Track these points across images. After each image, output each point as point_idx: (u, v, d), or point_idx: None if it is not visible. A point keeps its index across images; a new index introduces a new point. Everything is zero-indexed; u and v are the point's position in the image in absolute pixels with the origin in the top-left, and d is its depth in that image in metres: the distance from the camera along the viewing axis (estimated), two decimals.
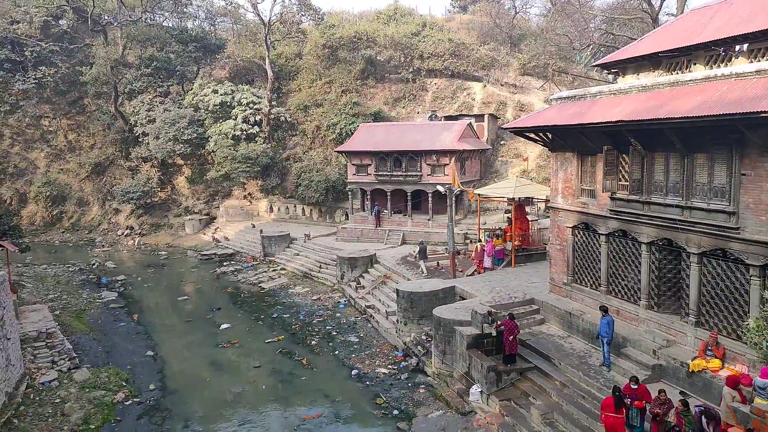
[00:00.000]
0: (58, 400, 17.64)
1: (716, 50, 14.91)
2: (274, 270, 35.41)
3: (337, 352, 22.36)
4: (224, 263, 38.24)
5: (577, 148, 17.78)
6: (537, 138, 19.10)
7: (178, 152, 46.46)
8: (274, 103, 47.44)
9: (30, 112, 52.50)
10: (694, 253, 14.06)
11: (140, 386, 19.59)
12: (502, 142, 40.98)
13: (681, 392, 13.39)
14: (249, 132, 45.46)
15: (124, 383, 19.51)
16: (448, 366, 18.68)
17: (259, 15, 49.26)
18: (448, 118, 41.41)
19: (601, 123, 14.82)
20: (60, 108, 54.01)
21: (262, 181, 46.17)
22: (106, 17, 55.92)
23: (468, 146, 34.94)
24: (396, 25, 51.61)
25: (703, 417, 11.15)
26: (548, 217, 29.40)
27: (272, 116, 46.71)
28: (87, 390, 18.42)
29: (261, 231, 39.62)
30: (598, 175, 17.01)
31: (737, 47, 14.40)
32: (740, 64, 13.89)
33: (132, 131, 49.60)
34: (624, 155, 15.88)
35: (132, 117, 49.42)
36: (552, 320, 18.92)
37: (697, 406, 11.53)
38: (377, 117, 44.21)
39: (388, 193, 36.06)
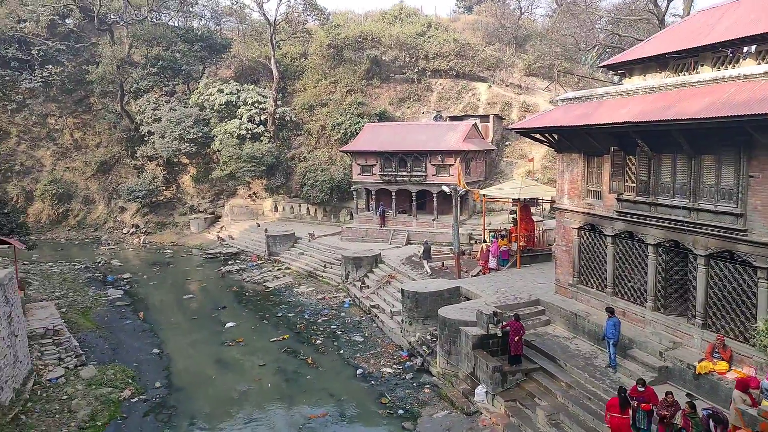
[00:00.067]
0: (65, 397, 17.73)
1: (724, 52, 14.88)
2: (278, 269, 35.49)
3: (342, 352, 22.41)
4: (229, 262, 38.35)
5: (584, 149, 17.78)
6: (543, 139, 19.10)
7: (183, 151, 46.61)
8: (279, 102, 47.53)
9: (36, 111, 52.78)
10: (701, 255, 14.04)
11: (146, 384, 19.68)
12: (507, 143, 40.96)
13: (687, 394, 13.39)
14: (254, 131, 45.56)
15: (130, 380, 19.60)
16: (453, 366, 18.70)
17: (264, 15, 49.42)
18: (453, 118, 41.42)
19: (608, 124, 14.82)
20: (66, 106, 54.30)
21: (267, 181, 46.29)
22: (113, 16, 56.16)
23: (473, 147, 34.95)
24: (401, 26, 51.62)
25: (711, 421, 11.13)
26: (553, 218, 29.39)
27: (277, 116, 46.80)
28: (94, 387, 18.51)
29: (266, 230, 39.70)
30: (605, 177, 17.00)
31: (745, 49, 14.37)
32: (748, 66, 13.86)
33: (138, 130, 49.77)
34: (631, 156, 15.88)
35: (138, 116, 49.61)
36: (557, 321, 18.92)
37: (704, 409, 11.52)
38: (382, 117, 44.27)
39: (393, 193, 36.10)
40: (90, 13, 54.19)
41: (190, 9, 59.95)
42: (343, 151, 39.58)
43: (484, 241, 27.02)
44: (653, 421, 12.29)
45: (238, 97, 46.61)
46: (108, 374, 19.64)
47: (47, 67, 50.76)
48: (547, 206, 30.51)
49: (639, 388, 12.49)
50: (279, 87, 48.46)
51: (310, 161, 44.81)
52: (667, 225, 14.86)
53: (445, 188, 26.22)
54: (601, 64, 23.35)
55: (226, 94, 46.48)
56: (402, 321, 23.12)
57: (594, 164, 17.67)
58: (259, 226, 43.43)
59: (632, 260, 16.56)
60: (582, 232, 18.56)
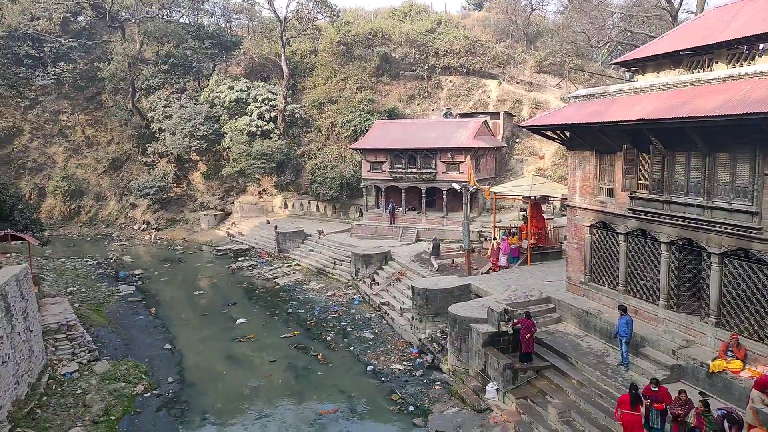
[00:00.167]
0: (79, 392, 17.94)
1: (739, 48, 14.75)
2: (288, 266, 35.62)
3: (352, 348, 22.48)
4: (239, 258, 38.55)
5: (596, 146, 17.69)
6: (555, 136, 19.01)
7: (193, 148, 46.90)
8: (289, 99, 47.63)
9: (49, 108, 53.26)
10: (715, 253, 13.95)
11: (159, 379, 19.86)
12: (517, 140, 40.81)
13: (701, 393, 13.31)
14: (264, 128, 45.72)
15: (143, 375, 19.80)
16: (463, 363, 18.71)
17: (275, 12, 49.51)
18: (463, 115, 41.34)
19: (622, 121, 14.74)
20: (78, 103, 54.76)
21: (276, 178, 46.44)
22: (124, 14, 56.58)
23: (483, 144, 34.87)
24: (411, 22, 51.53)
25: (726, 421, 11.05)
26: (564, 215, 29.29)
27: (287, 113, 46.92)
28: (107, 382, 18.72)
29: (276, 227, 39.85)
30: (617, 174, 16.92)
31: (761, 46, 14.23)
32: (764, 63, 13.73)
33: (149, 127, 50.14)
34: (644, 154, 15.78)
35: (149, 113, 49.95)
36: (569, 319, 18.87)
37: (719, 409, 11.43)
38: (392, 114, 44.23)
39: (403, 191, 36.11)
40: (102, 11, 54.59)
41: (201, 6, 60.29)
42: (352, 149, 39.62)
43: (494, 239, 26.97)
44: (667, 420, 12.24)
45: (248, 95, 46.78)
46: (121, 369, 19.84)
47: (59, 64, 51.22)
48: (558, 204, 30.38)
49: (652, 388, 12.44)
50: (289, 84, 48.56)
51: (319, 158, 44.90)
52: (680, 223, 14.77)
53: (456, 185, 26.17)
54: (614, 61, 23.21)
55: (237, 92, 46.66)
56: (412, 318, 23.15)
57: (606, 162, 17.58)
58: (268, 222, 43.59)
59: (645, 258, 16.48)
60: (594, 230, 18.48)
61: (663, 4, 35.42)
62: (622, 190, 16.63)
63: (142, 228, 48.66)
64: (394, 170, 36.01)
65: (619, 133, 16.03)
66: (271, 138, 45.39)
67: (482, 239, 31.00)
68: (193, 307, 29.01)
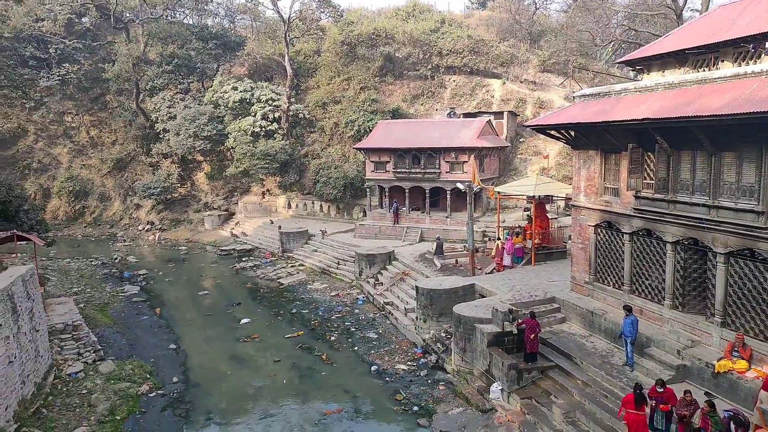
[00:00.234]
0: (84, 391, 18.00)
1: (745, 47, 14.68)
2: (292, 266, 35.65)
3: (356, 348, 22.48)
4: (243, 259, 38.61)
5: (601, 145, 17.64)
6: (559, 136, 18.97)
7: (198, 148, 47.03)
8: (292, 99, 47.69)
9: (53, 109, 53.54)
10: (720, 253, 13.89)
11: (164, 379, 19.91)
12: (521, 140, 40.74)
13: (706, 393, 13.26)
14: (268, 129, 45.79)
15: (148, 375, 19.84)
16: (468, 363, 18.68)
17: (279, 12, 49.50)
18: (467, 115, 41.29)
19: (628, 121, 14.68)
20: (83, 104, 55.00)
21: (280, 178, 46.50)
22: (128, 15, 56.76)
23: (487, 143, 34.82)
24: (415, 22, 51.52)
25: (732, 423, 10.98)
26: (568, 215, 29.22)
27: (291, 113, 46.97)
28: (112, 382, 18.77)
29: (279, 227, 39.90)
30: (623, 174, 16.86)
31: (767, 44, 14.15)
32: None
33: (153, 128, 50.29)
34: (649, 153, 15.73)
35: (153, 113, 50.11)
36: (573, 319, 18.82)
37: (726, 410, 11.35)
38: (396, 114, 44.22)
39: (407, 191, 36.09)
40: (106, 12, 54.81)
41: (205, 7, 60.45)
42: (356, 149, 39.62)
43: (498, 239, 26.92)
44: (672, 421, 12.18)
45: (252, 95, 46.85)
46: (126, 369, 19.90)
47: (64, 65, 51.46)
48: (562, 203, 30.32)
49: (658, 389, 12.38)
50: (293, 84, 48.61)
51: (323, 158, 44.93)
52: (686, 222, 14.71)
53: (460, 185, 26.16)
54: (618, 60, 23.14)
55: (240, 92, 46.75)
56: (416, 318, 23.14)
57: (611, 161, 17.53)
58: (272, 223, 43.66)
59: (650, 258, 16.42)
60: (599, 230, 18.43)
61: (668, 3, 35.27)
62: (627, 190, 16.58)
63: (146, 228, 48.79)
64: (398, 170, 36.01)
65: (625, 133, 15.98)
66: (275, 138, 45.44)
67: (486, 239, 30.94)
68: (198, 308, 29.07)
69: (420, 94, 47.60)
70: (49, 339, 19.99)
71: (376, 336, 23.67)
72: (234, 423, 17.06)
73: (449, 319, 20.81)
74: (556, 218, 29.88)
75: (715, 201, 13.86)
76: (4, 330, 15.40)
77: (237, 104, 46.57)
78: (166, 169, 49.99)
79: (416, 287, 23.24)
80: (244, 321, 26.04)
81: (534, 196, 25.20)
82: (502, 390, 16.55)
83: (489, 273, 25.09)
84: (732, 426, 11.01)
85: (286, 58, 48.20)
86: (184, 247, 43.59)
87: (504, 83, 45.14)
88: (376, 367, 20.57)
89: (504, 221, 31.27)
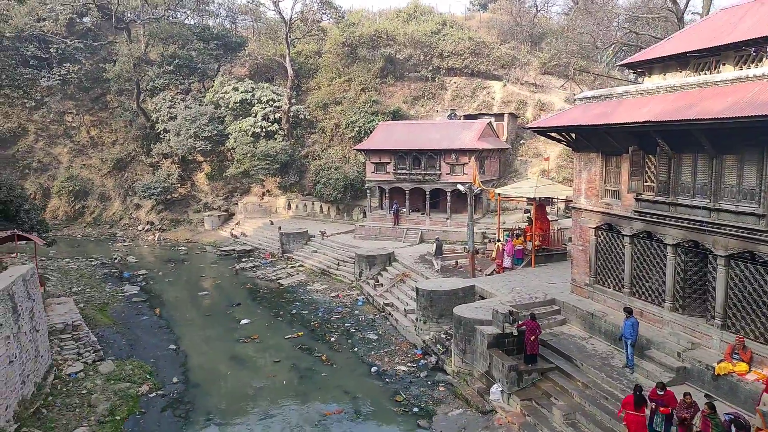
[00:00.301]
0: (84, 392, 17.99)
1: (747, 50, 14.70)
2: (292, 267, 35.65)
3: (356, 349, 22.48)
4: (243, 259, 38.60)
5: (602, 148, 17.67)
6: (560, 138, 19.00)
7: (198, 149, 47.04)
8: (293, 100, 47.72)
9: (54, 108, 53.53)
10: (721, 256, 13.92)
11: (164, 379, 19.90)
12: (521, 142, 40.77)
13: (706, 395, 13.27)
14: (268, 129, 45.81)
15: (147, 376, 19.83)
16: (468, 365, 18.69)
17: (280, 13, 49.55)
18: (468, 117, 41.31)
19: (629, 123, 14.71)
20: (83, 104, 54.99)
21: (280, 179, 46.51)
22: (130, 15, 56.79)
23: (488, 145, 34.85)
24: (416, 24, 51.55)
25: (732, 426, 10.97)
26: (568, 217, 29.27)
27: (291, 114, 47.00)
28: (112, 382, 18.76)
29: (279, 228, 39.91)
30: (623, 176, 16.89)
31: None
32: None
33: (153, 128, 50.29)
34: (650, 156, 15.76)
35: (153, 114, 50.12)
36: (573, 321, 18.83)
37: (727, 414, 11.33)
38: (396, 115, 44.25)
39: (407, 192, 36.11)
40: (107, 12, 54.83)
41: (206, 8, 60.50)
42: (357, 150, 39.63)
43: (498, 240, 26.94)
44: (673, 423, 12.18)
45: (253, 96, 46.88)
46: (126, 369, 19.88)
47: (65, 65, 51.48)
48: (562, 205, 30.34)
49: (658, 392, 12.37)
50: (293, 85, 48.64)
51: (323, 159, 44.94)
52: (686, 225, 14.74)
53: (460, 187, 26.17)
54: (620, 63, 23.16)
55: (241, 93, 46.77)
56: (416, 319, 23.14)
57: (612, 164, 17.56)
58: (272, 223, 43.66)
59: (650, 260, 16.44)
60: (599, 232, 18.45)
61: (669, 6, 35.35)
62: (628, 192, 16.61)
63: (146, 228, 48.78)
64: (398, 171, 36.03)
65: (626, 135, 16.01)
66: (276, 139, 45.47)
67: (486, 241, 30.97)
68: (197, 308, 29.06)
69: (421, 95, 47.63)
70: (49, 339, 19.98)
71: (376, 337, 23.67)
72: (234, 423, 17.05)
73: (449, 321, 20.82)
74: (557, 220, 29.91)
75: (716, 204, 13.89)
76: (5, 330, 15.39)
77: (238, 105, 46.58)
78: (167, 170, 50.00)
79: (416, 288, 23.25)
80: (243, 321, 26.03)
81: (534, 198, 25.23)
82: (502, 391, 16.56)
83: (489, 275, 25.11)
84: (733, 429, 11.00)
85: (287, 59, 48.24)
86: (183, 248, 43.58)
87: (505, 85, 45.17)
88: (376, 368, 20.57)
89: (504, 223, 31.29)
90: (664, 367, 14.71)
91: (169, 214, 49.57)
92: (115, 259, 39.75)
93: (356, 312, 26.94)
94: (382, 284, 28.88)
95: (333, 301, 28.82)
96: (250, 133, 45.10)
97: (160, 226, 48.63)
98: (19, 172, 51.63)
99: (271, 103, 46.63)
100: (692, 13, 39.42)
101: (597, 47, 41.58)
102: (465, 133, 35.12)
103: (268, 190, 48.35)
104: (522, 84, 44.78)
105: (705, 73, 16.02)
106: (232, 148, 46.09)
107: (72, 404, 17.25)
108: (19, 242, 24.66)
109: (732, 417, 11.15)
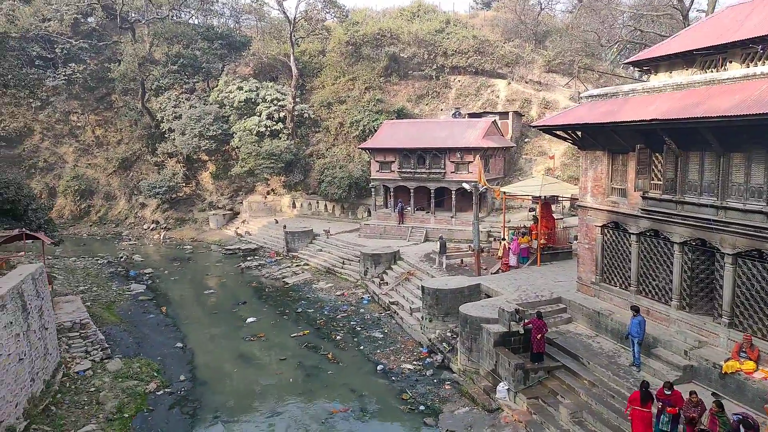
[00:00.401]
0: (92, 389, 18.10)
1: (754, 48, 14.69)
2: (297, 265, 35.73)
3: (362, 348, 22.53)
4: (248, 258, 38.70)
5: (608, 146, 17.66)
6: (566, 136, 18.99)
7: (203, 148, 47.15)
8: (297, 99, 47.79)
9: (59, 108, 53.74)
10: (728, 254, 13.90)
11: (171, 377, 20.00)
12: (526, 140, 40.74)
13: (713, 394, 13.26)
14: (273, 128, 45.90)
15: (155, 374, 19.94)
16: (474, 363, 18.72)
17: (284, 12, 49.65)
18: (472, 115, 41.32)
19: (636, 121, 14.70)
20: (88, 104, 55.18)
21: (285, 177, 46.60)
22: (134, 15, 56.98)
23: (493, 144, 34.84)
24: (419, 22, 51.57)
25: (741, 426, 10.94)
26: (574, 215, 29.22)
27: (296, 113, 47.07)
28: (120, 380, 18.87)
29: (284, 227, 39.99)
30: (630, 174, 16.88)
31: None
32: None
33: (158, 127, 50.45)
34: (657, 154, 15.74)
35: (158, 113, 50.26)
36: (579, 319, 18.84)
37: (735, 414, 11.29)
38: (400, 114, 44.29)
39: (412, 190, 36.15)
40: (112, 12, 54.99)
41: (210, 7, 60.64)
42: (361, 148, 39.69)
43: (503, 239, 26.95)
44: (680, 422, 12.18)
45: (257, 95, 46.97)
46: (134, 367, 19.99)
47: (70, 65, 51.67)
48: (568, 204, 30.31)
49: (666, 391, 12.35)
50: (298, 84, 48.72)
51: (328, 158, 45.02)
52: (693, 223, 14.72)
53: (466, 185, 26.18)
54: (626, 61, 23.16)
55: (246, 92, 46.86)
56: (422, 318, 23.18)
57: (619, 162, 17.55)
58: (277, 222, 43.75)
59: (657, 258, 16.43)
60: (605, 230, 18.44)
61: (674, 3, 35.25)
62: (634, 191, 16.59)
63: (151, 227, 48.97)
64: (403, 170, 36.06)
65: (633, 133, 15.99)
66: (280, 138, 45.56)
67: (491, 239, 30.98)
68: (203, 306, 29.18)
69: (425, 94, 47.65)
70: (57, 337, 20.11)
71: (382, 335, 23.72)
72: (241, 421, 17.15)
73: (455, 319, 20.85)
74: (562, 218, 29.88)
75: (723, 202, 13.87)
76: (15, 327, 15.51)
77: (242, 104, 46.68)
78: (171, 169, 50.14)
79: (422, 287, 23.29)
80: (249, 320, 26.13)
81: (540, 197, 25.21)
82: (508, 390, 16.59)
83: (494, 273, 25.11)
84: (741, 429, 10.97)
85: (292, 58, 48.32)
86: (189, 246, 43.73)
87: (509, 83, 45.14)
88: (381, 366, 20.63)
89: (509, 221, 31.29)
90: (671, 366, 14.71)
91: (174, 213, 49.74)
92: (121, 257, 39.93)
93: (362, 310, 27.00)
94: (387, 283, 28.93)
95: (338, 299, 28.89)
96: (255, 132, 45.19)
97: (165, 225, 48.80)
98: (25, 171, 51.82)
99: (275, 102, 46.71)
100: (697, 11, 39.32)
101: (602, 45, 41.48)
102: (470, 131, 35.13)
103: (272, 189, 48.44)
104: (526, 82, 44.74)
105: (712, 71, 16.01)
106: (237, 147, 46.20)
107: (80, 402, 17.36)
108: (26, 241, 24.76)
109: (741, 417, 11.11)
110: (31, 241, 25.44)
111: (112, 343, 22.42)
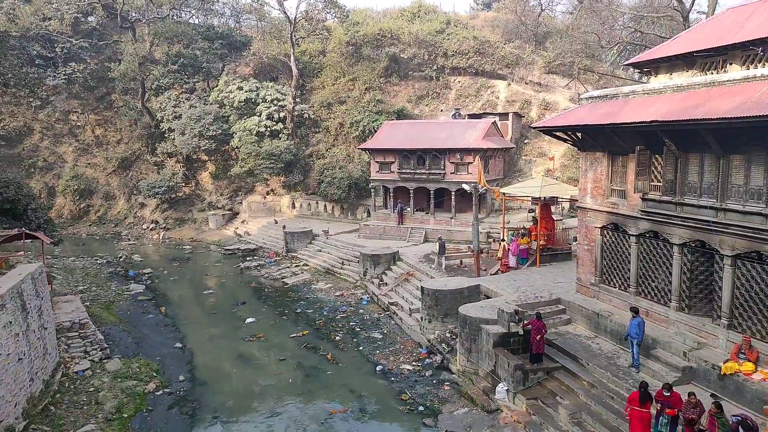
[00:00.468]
0: (92, 389, 18.09)
1: (754, 50, 14.70)
2: (296, 266, 35.73)
3: (361, 348, 22.53)
4: (247, 258, 38.69)
5: (608, 147, 17.68)
6: (566, 137, 19.00)
7: (202, 148, 47.13)
8: (298, 100, 47.80)
9: (59, 108, 53.73)
10: (728, 256, 13.92)
11: (170, 377, 19.98)
12: (526, 141, 40.76)
13: (712, 395, 13.27)
14: (273, 128, 45.91)
15: (154, 374, 19.92)
16: (473, 364, 18.73)
17: (285, 12, 49.68)
18: (472, 116, 41.34)
19: (636, 123, 14.72)
20: (88, 103, 55.16)
21: (284, 178, 46.59)
22: (135, 14, 56.96)
23: (492, 145, 34.85)
24: (420, 23, 51.58)
25: (740, 427, 10.94)
26: (573, 216, 29.25)
27: (296, 113, 47.08)
28: (119, 380, 18.86)
29: (284, 227, 39.98)
30: (630, 176, 16.90)
31: None
32: None
33: (158, 127, 50.44)
34: (657, 156, 15.76)
35: (158, 113, 50.26)
36: (579, 320, 18.85)
37: (734, 415, 11.30)
38: (400, 115, 44.30)
39: (411, 191, 36.15)
40: (113, 11, 54.97)
41: (211, 7, 60.62)
42: (361, 149, 39.69)
43: (503, 240, 26.96)
44: (679, 423, 12.18)
45: (257, 95, 46.98)
46: (133, 367, 19.98)
47: (70, 64, 51.63)
48: (567, 205, 30.34)
49: (665, 393, 12.35)
50: (298, 84, 48.73)
51: (328, 158, 45.03)
52: (693, 225, 14.74)
53: (466, 186, 26.21)
54: (626, 62, 23.17)
55: (246, 92, 46.87)
56: (421, 318, 23.19)
57: (618, 163, 17.57)
58: (276, 222, 43.75)
59: (656, 260, 16.45)
60: (605, 232, 18.46)
61: (674, 5, 35.29)
62: (634, 192, 16.61)
63: (150, 227, 48.94)
64: (403, 171, 36.06)
65: (632, 135, 16.00)
66: (280, 138, 45.56)
67: (490, 240, 30.99)
68: (203, 306, 29.17)
69: (425, 94, 47.67)
70: (57, 337, 20.10)
71: (381, 336, 23.72)
72: (240, 421, 17.14)
73: (454, 320, 20.86)
74: (561, 220, 29.89)
75: (722, 204, 13.89)
76: (14, 327, 15.50)
77: (242, 104, 46.69)
78: (171, 169, 50.13)
79: (421, 288, 23.29)
80: (249, 320, 26.12)
81: (539, 198, 25.23)
82: (507, 390, 16.59)
83: (494, 274, 25.13)
84: (740, 430, 10.97)
85: (292, 58, 48.33)
86: (188, 246, 43.72)
87: (509, 84, 45.17)
88: (381, 367, 20.63)
89: (508, 222, 31.30)
90: (670, 367, 14.72)
91: (173, 213, 49.73)
92: (120, 257, 39.91)
93: (361, 311, 27.00)
94: (386, 283, 28.94)
95: (338, 300, 28.89)
96: (255, 132, 45.19)
97: (164, 225, 48.79)
98: (25, 170, 51.75)
99: (275, 102, 46.72)
100: (698, 12, 39.40)
101: (602, 46, 41.55)
102: (469, 132, 35.14)
103: (272, 189, 48.44)
104: (526, 83, 44.77)
105: (712, 73, 16.03)
106: (237, 147, 46.20)
107: (80, 402, 17.35)
108: (25, 241, 24.74)
109: (740, 419, 11.11)
110: (30, 240, 25.43)
111: (111, 343, 22.39)
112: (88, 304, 27.06)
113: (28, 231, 23.63)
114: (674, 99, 14.50)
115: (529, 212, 31.97)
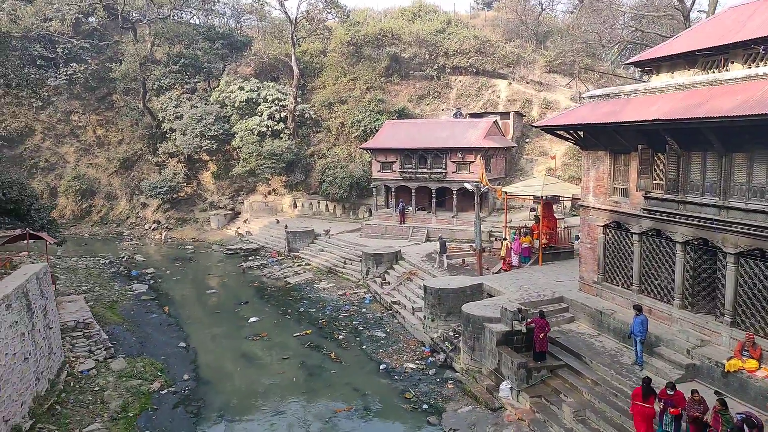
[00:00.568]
0: (97, 388, 18.18)
1: (756, 49, 14.75)
2: (299, 265, 35.80)
3: (364, 347, 22.60)
4: (249, 258, 38.76)
5: (610, 146, 17.74)
6: (568, 136, 19.07)
7: (204, 148, 47.19)
8: (299, 99, 47.86)
9: (61, 108, 53.84)
10: (730, 253, 13.98)
11: (175, 376, 20.07)
12: (527, 140, 40.83)
13: (716, 392, 13.33)
14: (274, 128, 45.98)
15: (159, 373, 20.01)
16: (476, 362, 18.80)
17: (285, 12, 49.74)
18: (473, 115, 41.40)
19: (638, 122, 14.78)
20: (89, 104, 55.26)
21: (286, 177, 46.67)
22: (136, 15, 57.06)
23: (494, 144, 34.92)
24: (420, 23, 51.66)
25: (745, 425, 10.98)
26: (575, 215, 29.33)
27: (297, 113, 47.14)
28: (124, 379, 18.95)
29: (286, 226, 40.04)
30: (632, 174, 16.96)
31: None
32: None
33: (159, 127, 50.51)
34: (659, 154, 15.82)
35: (159, 113, 50.32)
36: (582, 318, 18.92)
37: (739, 413, 11.32)
38: (402, 114, 44.36)
39: (413, 190, 36.22)
40: (113, 12, 55.05)
41: (212, 7, 60.72)
42: (363, 148, 39.77)
43: (504, 239, 27.02)
44: (684, 420, 12.24)
45: (259, 95, 47.04)
46: (137, 367, 20.07)
47: (72, 64, 51.74)
48: (569, 204, 30.39)
49: (668, 391, 12.40)
50: (299, 84, 48.79)
51: (329, 158, 45.11)
52: (696, 223, 14.80)
53: (468, 185, 26.26)
54: (628, 61, 23.21)
55: (247, 92, 46.93)
56: (424, 317, 23.26)
57: (621, 162, 17.63)
58: (278, 222, 43.82)
59: (659, 258, 16.51)
60: (607, 230, 18.52)
61: (675, 4, 35.33)
62: (636, 190, 16.67)
63: (152, 227, 49.04)
64: (405, 170, 36.13)
65: (635, 134, 16.07)
66: (281, 138, 45.63)
67: (492, 239, 31.05)
68: (205, 306, 29.26)
69: (426, 94, 47.74)
70: (61, 336, 20.19)
71: (384, 335, 23.80)
72: (244, 420, 17.22)
73: (457, 318, 20.92)
74: (563, 218, 29.96)
75: (725, 202, 13.95)
76: (20, 327, 15.59)
77: (243, 104, 46.75)
78: (173, 169, 50.20)
79: (424, 286, 23.36)
80: (252, 319, 26.19)
81: (541, 197, 25.29)
82: (511, 388, 16.66)
83: (496, 273, 25.18)
84: (745, 428, 11.02)
85: (293, 58, 48.40)
86: (190, 246, 43.80)
87: (510, 84, 45.23)
88: (384, 365, 20.70)
89: (510, 221, 31.37)
90: (673, 364, 14.79)
91: (175, 213, 49.81)
92: (123, 257, 40.00)
93: (364, 310, 27.07)
94: (389, 282, 29.00)
95: (340, 299, 28.96)
96: (256, 132, 45.26)
97: (166, 225, 48.88)
98: (27, 171, 51.89)
99: (276, 102, 46.77)
100: (698, 11, 39.45)
101: (602, 45, 41.60)
102: (471, 131, 35.21)
103: (273, 189, 48.51)
104: (527, 82, 44.83)
105: (713, 72, 16.09)
106: (238, 147, 46.27)
107: (85, 401, 17.44)
108: (29, 241, 24.83)
109: (744, 416, 11.13)
110: (33, 240, 25.52)
111: (116, 343, 22.47)
112: (91, 303, 27.14)
113: (31, 231, 23.71)
114: (676, 98, 14.56)
115: (531, 211, 32.04)
